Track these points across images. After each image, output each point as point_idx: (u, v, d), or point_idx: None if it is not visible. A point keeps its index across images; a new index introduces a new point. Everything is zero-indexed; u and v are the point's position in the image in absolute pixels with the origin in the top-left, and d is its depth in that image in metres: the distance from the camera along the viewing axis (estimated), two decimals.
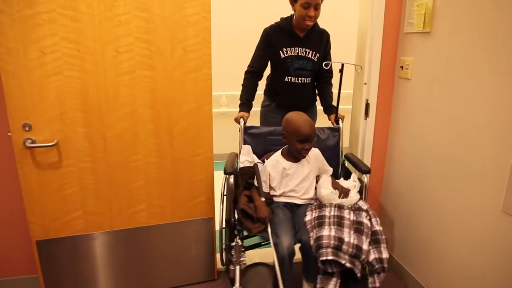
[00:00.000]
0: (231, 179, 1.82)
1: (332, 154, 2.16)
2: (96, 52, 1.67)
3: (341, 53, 2.44)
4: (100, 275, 1.97)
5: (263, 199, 1.84)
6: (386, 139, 2.29)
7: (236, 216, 1.86)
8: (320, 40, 2.25)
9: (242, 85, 2.31)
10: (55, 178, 1.76)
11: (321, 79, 2.37)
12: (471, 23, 1.61)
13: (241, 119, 2.19)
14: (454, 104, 1.73)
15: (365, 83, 2.18)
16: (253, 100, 2.31)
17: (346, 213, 1.72)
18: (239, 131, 2.16)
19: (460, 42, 1.68)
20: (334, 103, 2.31)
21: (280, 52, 2.19)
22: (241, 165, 2.07)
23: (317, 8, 2.07)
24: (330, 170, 2.03)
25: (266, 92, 2.44)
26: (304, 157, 1.90)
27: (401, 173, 2.18)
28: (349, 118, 2.40)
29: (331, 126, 2.25)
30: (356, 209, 1.78)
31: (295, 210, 1.88)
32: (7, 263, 2.02)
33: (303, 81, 2.26)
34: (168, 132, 1.87)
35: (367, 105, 2.19)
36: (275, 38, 2.21)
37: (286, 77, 2.25)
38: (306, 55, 2.22)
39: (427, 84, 1.92)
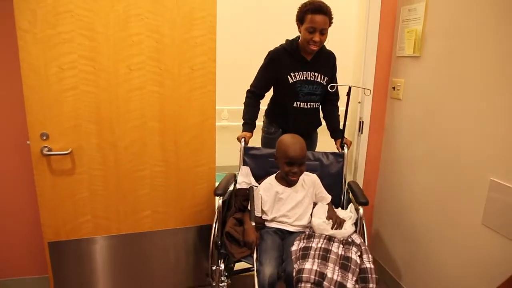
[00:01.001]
0: (220, 201, 1.82)
1: (335, 181, 2.10)
2: (109, 69, 1.82)
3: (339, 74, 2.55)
4: (105, 276, 2.09)
5: (253, 223, 1.80)
6: (379, 154, 2.42)
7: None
8: (327, 63, 2.20)
9: (244, 103, 2.26)
10: (68, 184, 1.90)
11: (327, 102, 2.30)
12: (457, 49, 1.76)
13: (243, 139, 2.14)
14: (440, 123, 1.86)
15: (359, 102, 2.32)
16: (256, 119, 2.26)
17: (334, 247, 1.62)
18: (240, 151, 2.13)
19: (447, 66, 1.82)
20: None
21: (288, 77, 2.13)
22: (238, 186, 2.03)
23: (323, 33, 2.00)
24: (328, 198, 1.95)
25: (270, 118, 2.35)
26: (293, 181, 1.84)
27: (393, 185, 2.30)
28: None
29: (336, 151, 2.18)
30: (346, 243, 1.68)
31: (286, 237, 1.80)
32: (19, 263, 2.15)
33: (312, 106, 2.21)
34: (174, 143, 2.01)
35: (361, 123, 2.32)
36: (281, 62, 2.14)
37: (295, 103, 2.18)
38: (316, 79, 2.15)
39: (416, 104, 2.06)
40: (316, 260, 1.53)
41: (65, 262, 2.00)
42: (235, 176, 2.08)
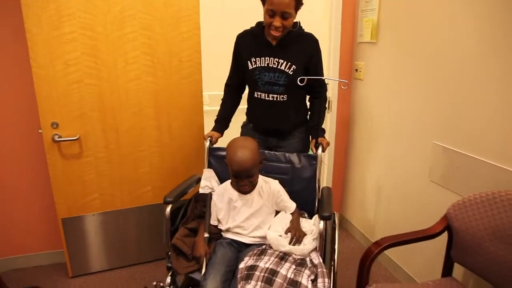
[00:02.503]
0: (168, 209, 1.63)
1: (307, 186, 1.82)
2: (109, 64, 2.08)
3: None
4: (112, 245, 2.38)
5: (206, 234, 1.62)
6: (347, 126, 2.78)
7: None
8: (300, 48, 1.85)
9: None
10: (77, 166, 2.16)
11: (310, 94, 2.04)
12: (406, 35, 2.10)
13: (209, 139, 1.92)
14: (395, 99, 2.22)
15: (327, 83, 2.65)
16: (230, 117, 2.07)
17: (284, 268, 1.40)
18: (205, 151, 1.93)
19: (398, 50, 2.16)
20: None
21: (249, 62, 1.89)
22: (201, 190, 1.82)
23: (285, 17, 1.70)
24: (292, 206, 1.69)
25: (247, 110, 2.10)
26: (244, 191, 1.62)
27: (358, 150, 2.67)
28: None
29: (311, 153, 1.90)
30: (300, 263, 1.44)
31: (242, 249, 1.61)
32: (35, 239, 2.42)
33: (275, 99, 1.88)
34: (168, 126, 2.29)
35: (329, 102, 2.66)
36: (244, 46, 1.93)
37: (255, 93, 1.92)
38: (278, 67, 1.84)
39: (375, 83, 2.40)
40: (259, 283, 1.34)
41: (77, 236, 2.28)
42: (198, 179, 1.88)
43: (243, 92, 2.11)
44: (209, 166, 1.93)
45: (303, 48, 1.86)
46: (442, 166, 1.87)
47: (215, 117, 2.05)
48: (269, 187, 1.66)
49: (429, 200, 1.99)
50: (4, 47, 2.09)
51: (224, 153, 1.79)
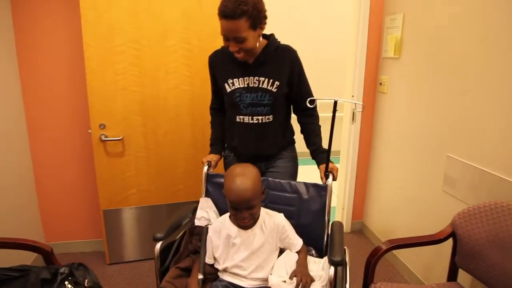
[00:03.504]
0: (157, 246, 1.45)
1: (315, 220, 1.62)
2: (151, 73, 2.32)
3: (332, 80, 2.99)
4: (145, 238, 2.60)
5: (201, 276, 1.42)
6: (370, 139, 2.89)
7: None
8: (280, 62, 1.67)
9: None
10: (119, 164, 2.41)
11: (300, 113, 1.83)
12: (426, 51, 2.22)
13: (207, 163, 1.76)
14: (414, 112, 2.33)
15: (352, 96, 2.79)
16: (224, 137, 1.91)
17: None
18: (203, 178, 1.76)
19: (418, 65, 2.28)
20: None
21: (226, 85, 1.71)
22: (196, 222, 1.64)
23: (239, 41, 1.52)
24: (298, 244, 1.50)
25: (226, 138, 1.90)
26: (244, 226, 1.42)
27: (379, 160, 2.78)
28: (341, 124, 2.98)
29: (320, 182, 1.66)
30: None
31: None
32: (81, 228, 2.70)
33: (260, 121, 1.71)
34: (202, 132, 2.50)
35: (354, 114, 2.79)
36: (218, 67, 1.76)
37: (237, 117, 1.73)
38: (260, 85, 1.66)
39: (397, 96, 2.52)
40: None
41: (115, 227, 2.52)
42: (194, 209, 1.71)
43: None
44: (207, 195, 1.75)
45: (283, 62, 1.68)
46: (454, 177, 1.96)
47: (209, 142, 1.92)
48: (272, 221, 1.46)
49: (442, 209, 2.08)
50: (63, 58, 2.39)
51: (222, 179, 1.62)
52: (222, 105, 1.85)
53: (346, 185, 2.99)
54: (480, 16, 1.76)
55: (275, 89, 1.66)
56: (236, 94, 1.69)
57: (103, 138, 2.33)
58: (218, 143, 1.90)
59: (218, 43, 2.38)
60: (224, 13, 1.46)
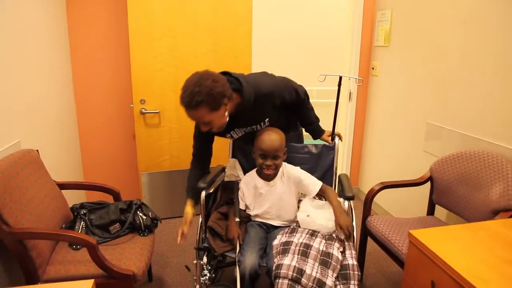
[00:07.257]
0: (203, 194, 1.78)
1: (325, 174, 2.01)
2: (184, 57, 2.78)
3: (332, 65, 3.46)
4: (175, 198, 3.07)
5: (237, 219, 1.79)
6: (364, 115, 3.40)
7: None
8: (264, 107, 1.75)
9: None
10: (155, 133, 2.88)
11: (294, 107, 1.93)
12: (411, 40, 2.72)
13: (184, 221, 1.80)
14: (401, 90, 2.84)
15: (349, 79, 3.29)
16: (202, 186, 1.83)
17: (316, 242, 1.57)
18: (229, 144, 2.10)
19: (404, 51, 2.79)
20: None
21: (228, 136, 1.89)
22: (226, 178, 2.01)
23: (206, 123, 1.61)
24: (314, 190, 1.80)
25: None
26: (267, 175, 1.77)
27: (372, 133, 3.29)
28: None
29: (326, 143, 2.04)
30: (329, 238, 1.62)
31: (271, 231, 1.80)
32: (122, 189, 3.12)
33: (255, 129, 1.85)
34: None
35: (350, 94, 3.29)
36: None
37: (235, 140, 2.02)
38: (257, 128, 1.84)
39: (387, 78, 3.03)
40: (295, 255, 1.51)
41: (151, 188, 2.99)
42: (223, 168, 2.07)
43: (207, 165, 1.99)
44: (233, 157, 2.10)
45: (264, 107, 1.75)
46: (431, 138, 2.47)
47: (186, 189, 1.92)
48: (289, 171, 1.82)
49: (422, 166, 2.59)
50: (112, 45, 2.84)
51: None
52: (207, 153, 1.96)
53: (344, 157, 3.49)
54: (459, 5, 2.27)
55: (267, 121, 1.82)
56: (239, 139, 1.92)
57: (143, 111, 2.78)
58: (194, 194, 1.85)
59: (242, 30, 2.86)
60: (184, 105, 1.57)
